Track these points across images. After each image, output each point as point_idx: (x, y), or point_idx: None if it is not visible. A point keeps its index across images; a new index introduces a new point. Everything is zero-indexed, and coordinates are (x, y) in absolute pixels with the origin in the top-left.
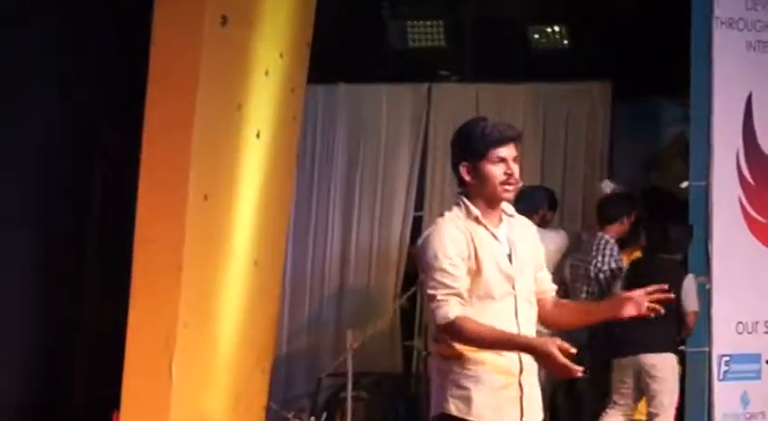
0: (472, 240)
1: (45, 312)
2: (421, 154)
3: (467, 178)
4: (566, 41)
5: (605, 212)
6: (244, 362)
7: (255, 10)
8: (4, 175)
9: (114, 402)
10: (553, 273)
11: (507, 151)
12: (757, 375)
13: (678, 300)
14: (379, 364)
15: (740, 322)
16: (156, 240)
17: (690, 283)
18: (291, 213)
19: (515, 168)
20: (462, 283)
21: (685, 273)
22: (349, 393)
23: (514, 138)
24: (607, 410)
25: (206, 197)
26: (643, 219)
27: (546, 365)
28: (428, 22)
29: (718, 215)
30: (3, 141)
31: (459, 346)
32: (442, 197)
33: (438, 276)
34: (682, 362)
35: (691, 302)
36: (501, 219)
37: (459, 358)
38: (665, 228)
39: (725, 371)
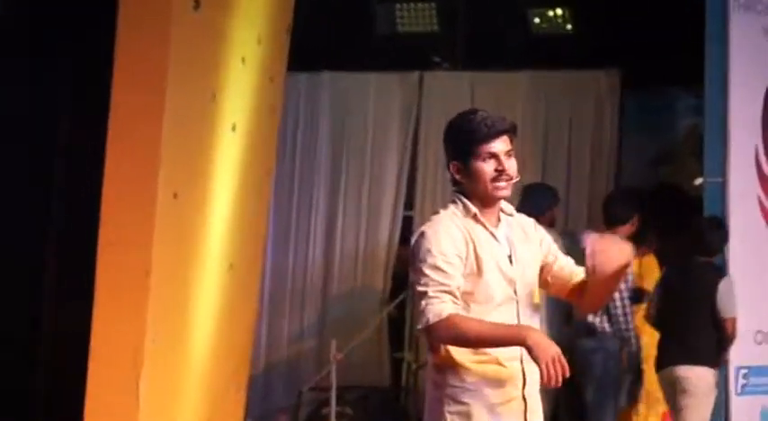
0: (471, 239)
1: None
2: (411, 148)
3: (458, 177)
4: (569, 26)
5: (613, 212)
6: (218, 377)
7: None
8: None
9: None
10: None
11: (498, 146)
12: None
13: (714, 306)
14: (366, 377)
15: (759, 331)
16: (122, 243)
17: (726, 286)
18: (270, 213)
19: (509, 163)
20: (456, 282)
21: (721, 275)
22: (332, 409)
23: (505, 131)
24: None
25: (176, 195)
26: (652, 219)
27: (538, 356)
28: (418, 5)
29: (735, 215)
30: None
31: (456, 356)
32: (434, 195)
33: (431, 272)
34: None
35: (728, 307)
36: (499, 219)
37: (456, 369)
38: (699, 229)
39: (743, 385)
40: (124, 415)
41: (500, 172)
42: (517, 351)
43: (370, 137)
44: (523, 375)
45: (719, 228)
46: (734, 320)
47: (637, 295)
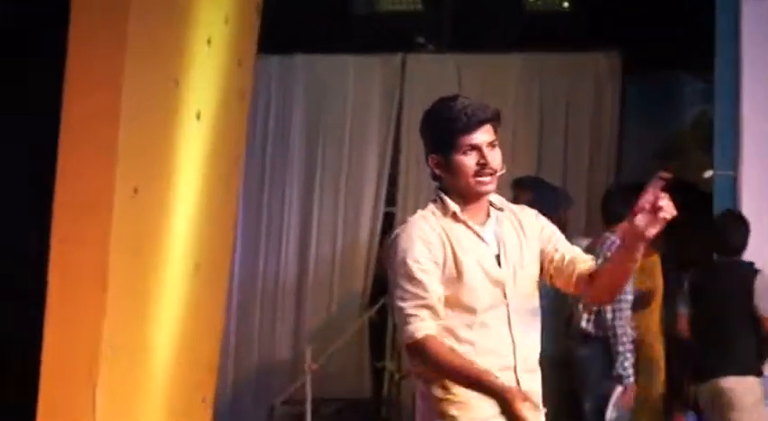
0: (449, 241)
1: None
2: (393, 138)
3: (437, 172)
4: (565, 3)
5: (611, 209)
6: (182, 389)
7: None
8: None
9: None
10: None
11: (480, 136)
12: None
13: (751, 306)
14: (344, 388)
15: None
16: (77, 241)
17: (764, 283)
18: (239, 209)
19: (492, 155)
20: (435, 293)
21: (753, 271)
22: None
23: (488, 121)
24: None
25: (136, 190)
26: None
27: (504, 411)
28: None
29: (747, 211)
30: None
31: None
32: (418, 190)
33: (406, 285)
34: None
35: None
36: (488, 215)
37: (442, 381)
38: (718, 228)
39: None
40: None
41: (483, 165)
42: (510, 360)
43: (348, 126)
44: (518, 385)
45: (739, 221)
46: None
47: (640, 300)
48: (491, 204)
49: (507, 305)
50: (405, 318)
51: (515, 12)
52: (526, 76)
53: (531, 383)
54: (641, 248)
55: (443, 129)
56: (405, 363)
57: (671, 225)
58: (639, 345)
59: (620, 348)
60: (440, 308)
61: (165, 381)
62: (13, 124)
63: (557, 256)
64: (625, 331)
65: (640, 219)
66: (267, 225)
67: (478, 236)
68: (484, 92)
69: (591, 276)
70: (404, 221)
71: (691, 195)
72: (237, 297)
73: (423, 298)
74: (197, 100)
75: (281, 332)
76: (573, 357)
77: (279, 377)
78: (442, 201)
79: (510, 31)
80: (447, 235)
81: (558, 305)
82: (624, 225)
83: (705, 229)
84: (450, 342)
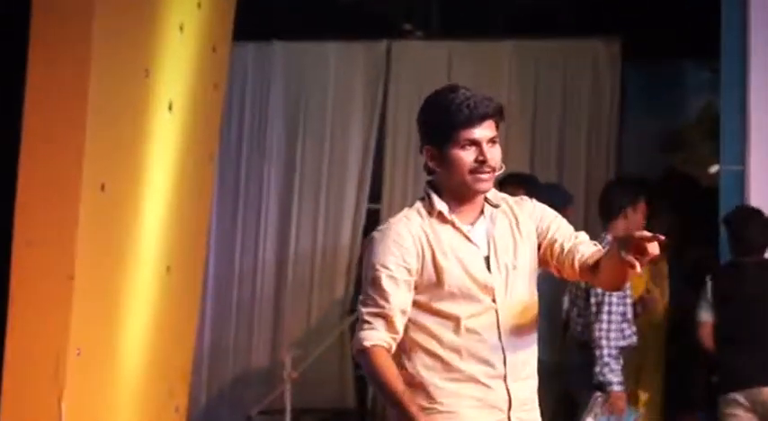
0: (429, 245)
1: None
2: (377, 130)
3: (431, 164)
4: None
5: (602, 204)
6: (154, 398)
7: None
8: None
9: None
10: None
11: (481, 132)
12: None
13: None
14: (326, 398)
15: None
16: (41, 243)
17: None
18: (213, 207)
19: (492, 152)
20: (397, 304)
21: None
22: None
23: (490, 116)
24: None
25: (103, 187)
26: (660, 215)
27: None
28: None
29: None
30: None
31: (423, 373)
32: (404, 185)
33: (370, 290)
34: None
35: None
36: (481, 213)
37: (426, 388)
38: (736, 226)
39: None
40: None
41: (481, 162)
42: (500, 368)
43: (330, 118)
44: (509, 395)
45: (755, 216)
46: None
47: (643, 305)
48: (486, 201)
49: (497, 310)
50: (359, 324)
51: None
52: (520, 64)
53: (524, 391)
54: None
55: (442, 122)
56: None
57: (677, 224)
58: (643, 351)
59: (597, 353)
60: (398, 320)
61: (136, 389)
62: None
63: (556, 247)
64: (606, 336)
65: (625, 255)
66: (243, 224)
67: (467, 237)
68: (475, 81)
69: (593, 266)
70: (389, 219)
71: (696, 191)
72: (212, 300)
73: (381, 306)
74: (168, 90)
75: (258, 338)
76: (570, 365)
77: (256, 385)
78: (430, 200)
79: (503, 16)
80: (428, 238)
81: (553, 311)
82: (618, 224)
83: (712, 228)
84: (434, 348)
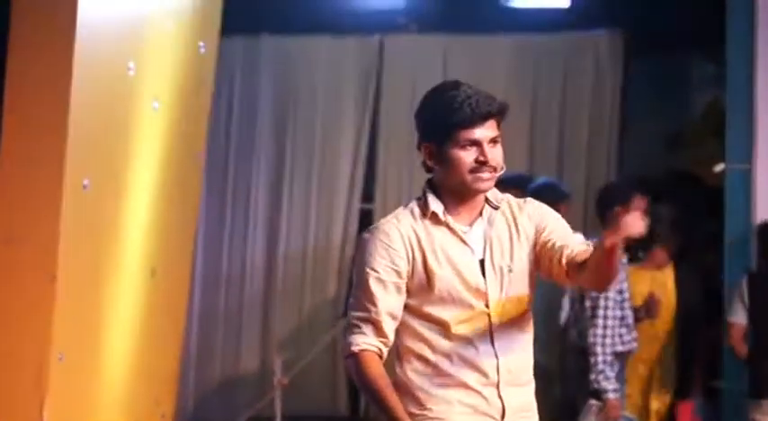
0: (420, 247)
1: None
2: (369, 128)
3: (429, 163)
4: None
5: (597, 206)
6: (139, 404)
7: None
8: None
9: None
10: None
11: (482, 132)
12: None
13: None
14: (318, 404)
15: None
16: (21, 242)
17: None
18: (201, 207)
19: (494, 152)
20: (386, 306)
21: None
22: None
23: (493, 115)
24: None
25: (86, 186)
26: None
27: None
28: None
29: (763, 208)
30: None
31: (413, 377)
32: (398, 184)
33: (359, 293)
34: (716, 403)
35: None
36: (480, 214)
37: (415, 394)
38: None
39: None
40: None
41: (482, 163)
42: (492, 375)
43: (320, 114)
44: (502, 403)
45: None
46: None
47: (646, 310)
48: (487, 201)
49: (489, 316)
50: (349, 328)
51: None
52: (518, 59)
53: (519, 398)
54: (612, 259)
55: (442, 120)
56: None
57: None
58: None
59: (592, 360)
60: (386, 324)
61: (120, 396)
62: None
63: (548, 245)
64: (601, 342)
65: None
66: (231, 224)
67: (462, 240)
68: (472, 78)
69: (581, 264)
70: (382, 219)
71: (701, 190)
72: (199, 303)
73: (370, 311)
74: (154, 86)
75: (247, 342)
76: (569, 370)
77: (245, 392)
78: (425, 200)
79: (500, 9)
80: (419, 240)
81: (551, 315)
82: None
83: (717, 227)
84: (425, 353)
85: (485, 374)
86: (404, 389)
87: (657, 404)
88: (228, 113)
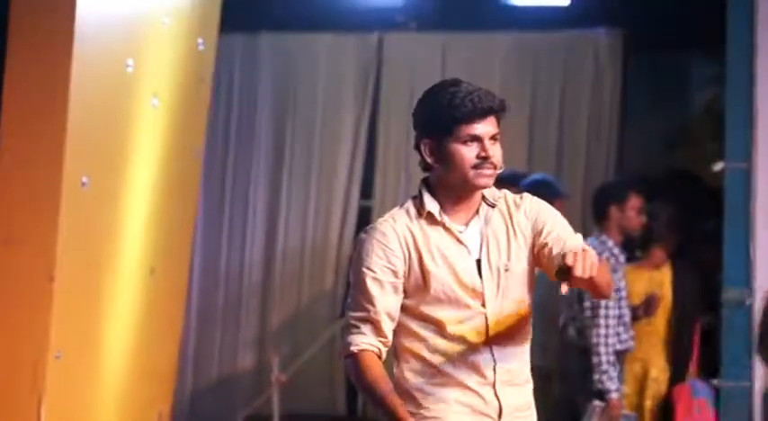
0: (416, 247)
1: None
2: (368, 124)
3: (429, 160)
4: None
5: (593, 206)
6: (136, 403)
7: None
8: None
9: None
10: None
11: (483, 128)
12: None
13: None
14: (315, 403)
15: None
16: (20, 242)
17: None
18: (199, 205)
19: (494, 149)
20: (384, 306)
21: None
22: None
23: (494, 111)
24: None
25: (85, 184)
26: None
27: None
28: None
29: (762, 207)
30: None
31: (408, 376)
32: (396, 181)
33: (356, 293)
34: (716, 399)
35: None
36: (477, 213)
37: (411, 393)
38: None
39: None
40: None
41: (484, 158)
42: (489, 374)
43: (320, 111)
44: (499, 403)
45: None
46: None
47: (645, 308)
48: (484, 199)
49: (486, 316)
50: (347, 329)
51: None
52: (517, 56)
53: (517, 397)
54: (590, 286)
55: (443, 115)
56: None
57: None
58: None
59: (596, 360)
60: (385, 324)
61: (118, 394)
62: None
63: (546, 251)
64: (604, 342)
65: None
66: (230, 222)
67: (458, 239)
68: (470, 75)
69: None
70: (381, 216)
71: (700, 189)
72: (197, 302)
73: (368, 310)
74: (153, 83)
75: (244, 340)
76: (568, 371)
77: (243, 390)
78: (421, 199)
79: (499, 7)
80: (415, 240)
81: (548, 315)
82: (609, 224)
83: (716, 227)
84: (422, 352)
85: (482, 374)
86: (401, 388)
87: (651, 403)
88: (228, 110)
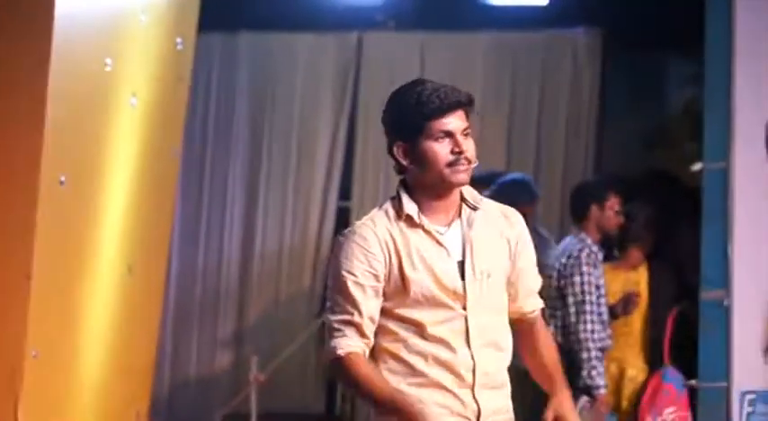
0: (396, 250)
1: None
2: (347, 124)
3: (403, 162)
4: None
5: (570, 206)
6: (114, 402)
7: None
8: None
9: None
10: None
11: (454, 122)
12: None
13: None
14: (293, 402)
15: None
16: None
17: None
18: (177, 204)
19: (467, 144)
20: (366, 311)
21: None
22: None
23: (463, 105)
24: None
25: (62, 182)
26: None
27: None
28: None
29: (740, 208)
30: None
31: (387, 375)
32: (375, 182)
33: (337, 297)
34: (693, 400)
35: None
36: (458, 214)
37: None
38: None
39: (749, 414)
40: None
41: (458, 153)
42: (468, 377)
43: (298, 111)
44: (477, 406)
45: None
46: None
47: (623, 305)
48: (464, 201)
49: (466, 318)
50: (330, 332)
51: None
52: (496, 56)
53: (495, 401)
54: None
55: (412, 114)
56: None
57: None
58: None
59: (585, 356)
60: (367, 327)
61: (95, 393)
62: None
63: (512, 291)
64: (591, 337)
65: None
66: (207, 221)
67: (437, 242)
68: (449, 74)
69: (526, 336)
70: (360, 218)
71: (678, 189)
72: (174, 300)
73: (350, 313)
74: (132, 82)
75: (222, 339)
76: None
77: (220, 389)
78: (400, 201)
79: (478, 6)
80: (395, 243)
81: None
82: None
83: (694, 226)
84: (400, 352)
85: (460, 376)
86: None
87: (627, 404)
88: (206, 110)
